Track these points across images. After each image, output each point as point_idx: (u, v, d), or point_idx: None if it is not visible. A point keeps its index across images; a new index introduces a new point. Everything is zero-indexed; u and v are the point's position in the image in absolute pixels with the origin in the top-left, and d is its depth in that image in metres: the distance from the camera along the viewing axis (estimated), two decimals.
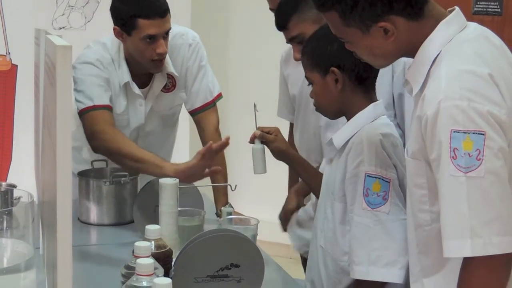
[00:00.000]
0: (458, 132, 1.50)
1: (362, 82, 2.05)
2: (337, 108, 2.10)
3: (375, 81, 2.10)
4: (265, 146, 2.40)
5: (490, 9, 4.40)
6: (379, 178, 1.94)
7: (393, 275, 1.91)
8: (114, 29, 2.74)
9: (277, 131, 2.39)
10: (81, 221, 2.73)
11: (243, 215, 2.57)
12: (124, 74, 2.83)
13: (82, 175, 2.77)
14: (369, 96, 2.08)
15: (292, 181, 2.88)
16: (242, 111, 5.08)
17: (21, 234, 2.16)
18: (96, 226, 2.72)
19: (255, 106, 2.39)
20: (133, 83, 2.86)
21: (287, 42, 2.49)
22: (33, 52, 2.79)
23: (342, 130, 2.09)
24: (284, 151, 2.37)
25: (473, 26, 1.70)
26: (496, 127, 1.51)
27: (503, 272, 1.53)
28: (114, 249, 2.54)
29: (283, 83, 2.93)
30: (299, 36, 2.40)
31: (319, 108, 2.15)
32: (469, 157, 1.49)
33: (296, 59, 2.37)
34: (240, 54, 5.26)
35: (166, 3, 2.71)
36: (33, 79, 2.75)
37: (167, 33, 2.74)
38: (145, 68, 2.82)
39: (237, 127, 4.87)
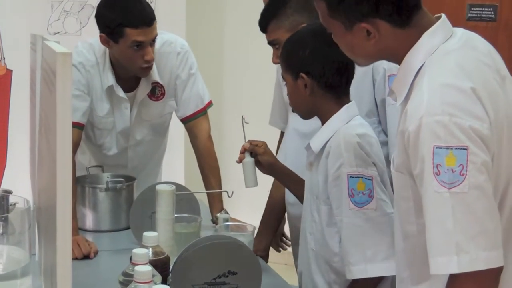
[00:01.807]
0: (441, 148, 1.48)
1: (332, 88, 2.09)
2: (308, 110, 2.15)
3: (347, 88, 2.13)
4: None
5: (484, 15, 4.41)
6: (362, 177, 1.99)
7: (393, 268, 1.91)
8: (100, 36, 2.73)
9: (265, 144, 2.41)
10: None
11: (239, 221, 2.56)
12: (108, 77, 2.83)
13: (78, 181, 2.76)
14: (341, 100, 2.11)
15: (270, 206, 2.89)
16: (237, 117, 5.10)
17: (17, 240, 2.15)
18: (92, 233, 2.71)
19: (243, 118, 2.40)
20: (118, 86, 2.86)
21: (268, 44, 2.53)
22: (28, 57, 2.79)
23: (318, 134, 2.12)
24: (273, 163, 2.40)
25: (459, 34, 1.68)
26: (478, 142, 1.49)
27: (490, 287, 1.52)
28: (110, 256, 2.53)
29: (277, 89, 2.94)
30: (275, 41, 2.45)
31: (292, 107, 2.21)
32: (452, 173, 1.48)
33: (274, 63, 2.45)
34: (235, 60, 5.26)
35: (153, 12, 2.72)
36: (28, 84, 2.74)
37: (153, 40, 2.74)
38: (132, 72, 2.82)
39: (231, 133, 4.88)
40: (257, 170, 2.39)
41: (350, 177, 1.99)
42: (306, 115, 2.18)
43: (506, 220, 1.59)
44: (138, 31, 2.64)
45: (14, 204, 2.32)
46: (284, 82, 2.18)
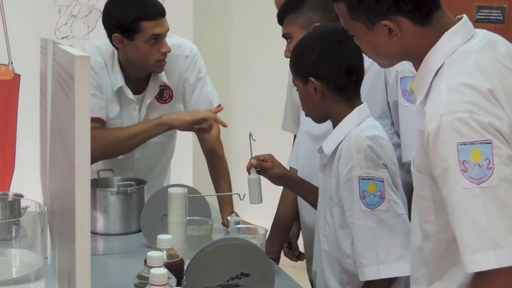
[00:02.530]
0: (465, 144, 1.47)
1: (342, 90, 2.10)
2: (320, 113, 2.16)
3: (358, 89, 2.14)
4: (260, 176, 2.43)
5: (492, 17, 4.41)
6: (373, 179, 2.00)
7: (406, 269, 1.93)
8: (114, 37, 2.73)
9: (272, 157, 2.41)
10: None
11: (250, 224, 2.57)
12: (118, 79, 2.84)
13: None
14: (351, 102, 2.12)
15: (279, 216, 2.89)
16: (245, 120, 5.11)
17: (30, 244, 2.16)
18: (103, 236, 2.71)
19: (250, 135, 2.40)
20: (127, 88, 2.87)
21: (282, 36, 2.55)
22: (36, 61, 2.79)
23: (330, 137, 2.13)
24: (283, 175, 2.41)
25: (481, 35, 1.68)
26: (500, 137, 1.49)
27: None
28: (121, 259, 2.54)
29: (289, 93, 2.94)
30: (288, 35, 2.49)
31: (304, 111, 2.22)
32: (479, 168, 1.46)
33: (286, 57, 2.43)
34: (243, 63, 5.27)
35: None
36: (36, 88, 2.75)
37: (166, 33, 2.77)
38: (146, 70, 2.82)
39: (240, 136, 4.88)
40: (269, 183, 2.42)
41: (361, 179, 2.00)
42: (319, 119, 2.19)
43: None
44: (155, 23, 2.68)
45: (26, 208, 2.33)
46: (295, 88, 2.18)
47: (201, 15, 4.78)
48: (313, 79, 2.07)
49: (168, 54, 2.88)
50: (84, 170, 1.21)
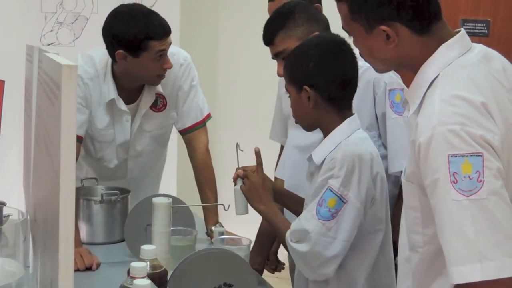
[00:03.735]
0: (456, 156, 1.48)
1: (335, 101, 2.10)
2: (311, 122, 2.17)
3: (350, 101, 2.15)
4: None
5: (477, 30, 4.44)
6: (338, 197, 2.01)
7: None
8: (118, 53, 2.68)
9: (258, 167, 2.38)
10: None
11: (234, 234, 2.56)
12: (110, 90, 2.81)
13: None
14: (343, 113, 2.13)
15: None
16: (231, 130, 5.11)
17: (11, 252, 2.14)
18: (86, 245, 2.68)
19: (237, 145, 2.39)
20: (120, 99, 2.85)
21: (272, 58, 2.52)
22: (21, 68, 2.77)
23: (320, 147, 2.14)
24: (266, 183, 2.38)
25: (477, 50, 1.69)
26: (491, 150, 1.49)
27: None
28: (104, 268, 2.51)
29: (278, 103, 2.94)
30: (284, 52, 2.43)
31: (296, 120, 2.21)
32: (469, 180, 1.46)
33: (279, 75, 2.41)
34: (229, 72, 5.27)
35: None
36: (20, 95, 2.73)
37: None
38: (143, 82, 2.82)
39: (226, 147, 4.88)
40: None
41: (329, 189, 2.02)
42: (309, 128, 2.19)
43: None
44: (161, 42, 2.67)
45: (8, 216, 2.30)
46: (288, 94, 2.18)
47: (187, 23, 4.78)
48: (307, 88, 2.07)
49: None
50: (69, 180, 1.20)
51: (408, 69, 1.75)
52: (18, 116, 2.89)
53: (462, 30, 1.71)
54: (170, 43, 2.74)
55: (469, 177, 1.46)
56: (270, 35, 2.47)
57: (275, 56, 2.48)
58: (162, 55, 2.69)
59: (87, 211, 2.70)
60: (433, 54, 1.67)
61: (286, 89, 2.18)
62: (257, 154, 2.31)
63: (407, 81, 1.79)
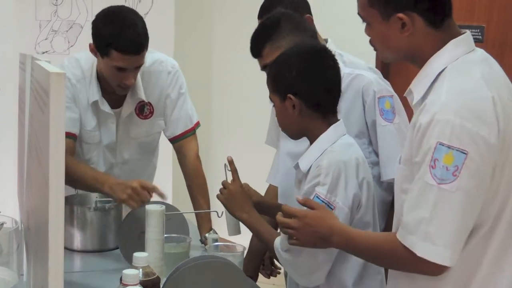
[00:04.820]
0: (443, 145, 1.58)
1: (320, 108, 2.10)
2: (297, 130, 2.16)
3: (335, 106, 2.15)
4: None
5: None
6: (326, 203, 2.01)
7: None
8: (90, 44, 2.72)
9: (247, 186, 2.37)
10: (64, 247, 2.69)
11: (228, 241, 2.56)
12: (94, 92, 2.82)
13: (66, 201, 2.74)
14: (328, 119, 2.13)
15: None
16: (226, 137, 5.11)
17: (5, 261, 2.14)
18: (80, 253, 2.69)
19: (226, 166, 2.38)
20: (104, 101, 2.85)
21: (261, 69, 2.51)
22: (16, 76, 2.78)
23: (306, 154, 2.14)
24: (259, 202, 2.37)
25: (480, 51, 1.77)
26: (481, 149, 1.57)
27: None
28: (98, 276, 2.51)
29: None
30: None
31: (281, 127, 2.22)
32: (446, 171, 1.58)
33: None
34: (223, 80, 5.27)
35: (145, 38, 2.67)
36: (16, 103, 2.73)
37: (138, 66, 2.73)
38: (114, 89, 2.81)
39: (219, 153, 4.88)
40: None
41: (317, 197, 2.02)
42: (295, 136, 2.19)
43: (504, 231, 1.65)
44: (124, 57, 2.63)
45: (2, 224, 2.30)
46: (272, 104, 2.19)
47: (182, 30, 4.79)
48: (291, 96, 2.07)
49: (149, 69, 2.88)
50: (58, 187, 1.20)
51: (415, 61, 1.80)
52: (13, 124, 2.89)
53: (468, 32, 1.78)
54: (138, 64, 2.70)
55: (446, 167, 1.57)
56: (257, 48, 2.47)
57: (264, 68, 2.48)
58: (120, 70, 2.67)
59: (81, 219, 2.70)
60: (442, 48, 1.73)
61: (270, 99, 2.18)
62: (230, 162, 2.32)
63: (411, 78, 1.82)
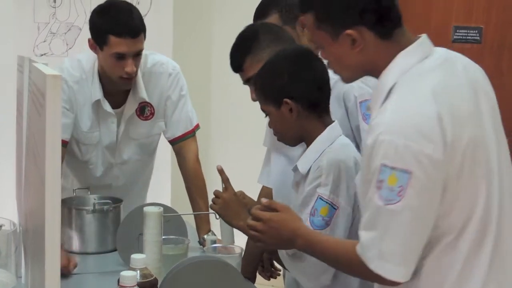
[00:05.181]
0: (387, 167, 1.58)
1: (315, 108, 2.10)
2: (296, 135, 2.15)
3: (328, 104, 2.15)
4: None
5: (469, 37, 4.45)
6: (329, 204, 2.02)
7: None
8: (88, 40, 2.74)
9: (243, 193, 2.37)
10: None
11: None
12: (96, 91, 2.83)
13: (65, 203, 2.75)
14: (323, 120, 2.13)
15: None
16: (225, 139, 5.11)
17: (3, 263, 2.14)
18: (78, 255, 2.68)
19: (216, 218, 2.37)
20: (105, 101, 2.86)
21: (244, 83, 2.50)
22: (15, 78, 2.78)
23: (305, 156, 2.13)
24: None
25: (438, 54, 1.74)
26: (426, 167, 1.56)
27: None
28: (96, 278, 2.52)
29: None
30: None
31: (279, 137, 2.19)
32: (390, 192, 1.58)
33: (254, 100, 2.38)
34: (222, 82, 5.27)
35: (141, 24, 2.71)
36: (14, 105, 2.73)
37: (138, 53, 2.74)
38: (116, 84, 2.82)
39: (219, 156, 4.88)
40: None
41: (320, 198, 2.02)
42: (294, 141, 2.18)
43: (471, 241, 1.64)
44: (121, 40, 2.65)
45: (0, 226, 2.31)
46: (265, 115, 2.18)
47: (181, 31, 4.78)
48: (287, 100, 2.07)
49: (150, 70, 2.89)
50: (54, 189, 1.21)
51: (373, 74, 1.79)
52: (12, 126, 2.89)
53: (423, 36, 1.75)
54: (137, 49, 2.72)
55: (391, 189, 1.58)
56: (238, 62, 2.44)
57: (246, 81, 2.46)
58: (120, 57, 2.69)
59: (79, 221, 2.70)
60: (392, 60, 1.71)
61: (263, 110, 2.17)
62: (220, 172, 2.30)
63: None
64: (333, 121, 2.14)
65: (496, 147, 1.68)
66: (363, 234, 1.65)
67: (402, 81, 1.67)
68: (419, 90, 1.63)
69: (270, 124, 2.18)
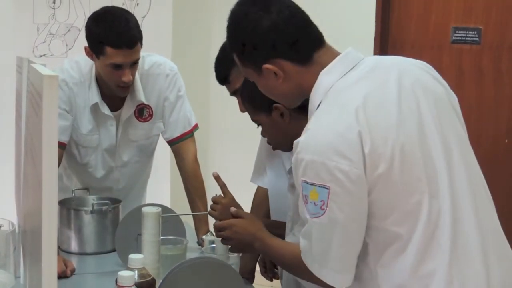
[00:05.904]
0: (307, 183, 1.64)
1: (305, 107, 2.07)
2: (291, 139, 2.08)
3: None
4: None
5: (468, 38, 4.45)
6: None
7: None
8: (85, 48, 2.74)
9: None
10: (62, 250, 2.71)
11: None
12: (94, 95, 2.83)
13: (63, 203, 2.75)
14: None
15: None
16: (224, 139, 5.11)
17: (2, 263, 2.15)
18: (77, 255, 2.69)
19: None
20: (103, 103, 2.86)
21: (231, 95, 2.50)
22: (14, 79, 2.78)
23: None
24: None
25: (364, 65, 1.75)
26: (343, 182, 1.60)
27: None
28: (95, 278, 2.53)
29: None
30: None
31: (275, 145, 2.19)
32: (314, 206, 1.64)
33: (243, 111, 2.37)
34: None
35: (138, 33, 2.69)
36: (14, 106, 2.73)
37: (135, 62, 2.73)
38: (113, 91, 2.81)
39: (218, 156, 4.88)
40: None
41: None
42: (289, 147, 2.11)
43: (419, 243, 1.64)
44: (118, 51, 2.64)
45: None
46: (258, 125, 2.17)
47: (180, 34, 4.78)
48: (277, 105, 2.04)
49: (148, 72, 2.89)
50: (51, 189, 1.21)
51: (307, 98, 1.80)
52: (11, 127, 2.89)
53: (347, 50, 1.78)
54: (134, 59, 2.70)
55: (314, 203, 1.64)
56: (223, 75, 2.44)
57: (233, 93, 2.46)
58: (117, 67, 2.68)
59: (78, 221, 2.71)
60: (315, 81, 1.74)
61: (254, 121, 2.16)
62: (217, 178, 2.33)
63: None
64: None
65: (441, 144, 1.68)
66: (301, 241, 1.73)
67: (325, 100, 1.71)
68: (338, 108, 1.66)
69: (263, 133, 2.17)
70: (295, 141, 1.70)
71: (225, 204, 2.26)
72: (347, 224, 1.63)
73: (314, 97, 1.74)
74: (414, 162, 1.63)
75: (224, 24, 1.87)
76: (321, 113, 1.69)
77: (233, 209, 2.15)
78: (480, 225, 1.69)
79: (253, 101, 2.11)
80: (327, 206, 1.61)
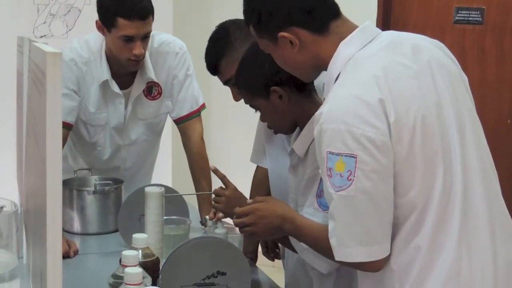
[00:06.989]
0: (332, 154, 1.61)
1: (303, 88, 2.06)
2: (291, 122, 2.11)
3: (313, 84, 2.11)
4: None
5: (471, 18, 4.43)
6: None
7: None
8: (96, 22, 2.73)
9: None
10: (64, 230, 2.70)
11: (228, 223, 2.56)
12: (104, 72, 2.83)
13: (66, 184, 2.75)
14: (313, 99, 2.09)
15: None
16: (225, 121, 5.10)
17: (5, 243, 2.15)
18: (79, 235, 2.69)
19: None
20: (113, 81, 2.86)
21: (224, 84, 2.48)
22: (14, 60, 2.77)
23: (300, 138, 2.09)
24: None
25: (382, 38, 1.75)
26: (370, 150, 1.58)
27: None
28: (98, 259, 2.53)
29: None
30: (233, 79, 2.30)
31: (275, 129, 2.17)
32: (340, 178, 1.60)
33: (237, 101, 2.36)
34: None
35: (150, 5, 2.70)
36: (14, 87, 2.72)
37: (146, 35, 2.73)
38: (124, 66, 2.80)
39: (220, 137, 4.88)
40: None
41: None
42: (289, 130, 2.15)
43: (434, 215, 1.63)
44: (130, 23, 2.64)
45: (1, 207, 2.31)
46: (255, 111, 2.15)
47: (181, 12, 4.77)
48: (275, 88, 2.02)
49: (157, 50, 2.88)
50: (55, 168, 1.20)
51: (324, 68, 1.80)
52: (12, 108, 2.89)
53: (366, 23, 1.78)
54: (145, 31, 2.70)
55: (340, 174, 1.61)
56: (213, 66, 2.41)
57: (226, 83, 2.45)
58: (128, 39, 2.67)
59: (80, 202, 2.70)
60: (335, 52, 1.73)
61: (252, 106, 2.14)
62: (215, 171, 2.33)
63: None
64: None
65: (455, 120, 1.67)
66: (329, 224, 1.68)
67: (345, 70, 1.70)
68: (359, 76, 1.65)
69: (263, 119, 2.15)
70: (316, 113, 1.67)
71: (228, 196, 2.26)
72: (375, 193, 1.60)
73: (333, 68, 1.73)
74: (433, 135, 1.62)
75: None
76: (342, 83, 1.67)
77: (249, 201, 2.09)
78: (488, 201, 1.69)
79: (250, 87, 2.10)
80: (354, 176, 1.58)
